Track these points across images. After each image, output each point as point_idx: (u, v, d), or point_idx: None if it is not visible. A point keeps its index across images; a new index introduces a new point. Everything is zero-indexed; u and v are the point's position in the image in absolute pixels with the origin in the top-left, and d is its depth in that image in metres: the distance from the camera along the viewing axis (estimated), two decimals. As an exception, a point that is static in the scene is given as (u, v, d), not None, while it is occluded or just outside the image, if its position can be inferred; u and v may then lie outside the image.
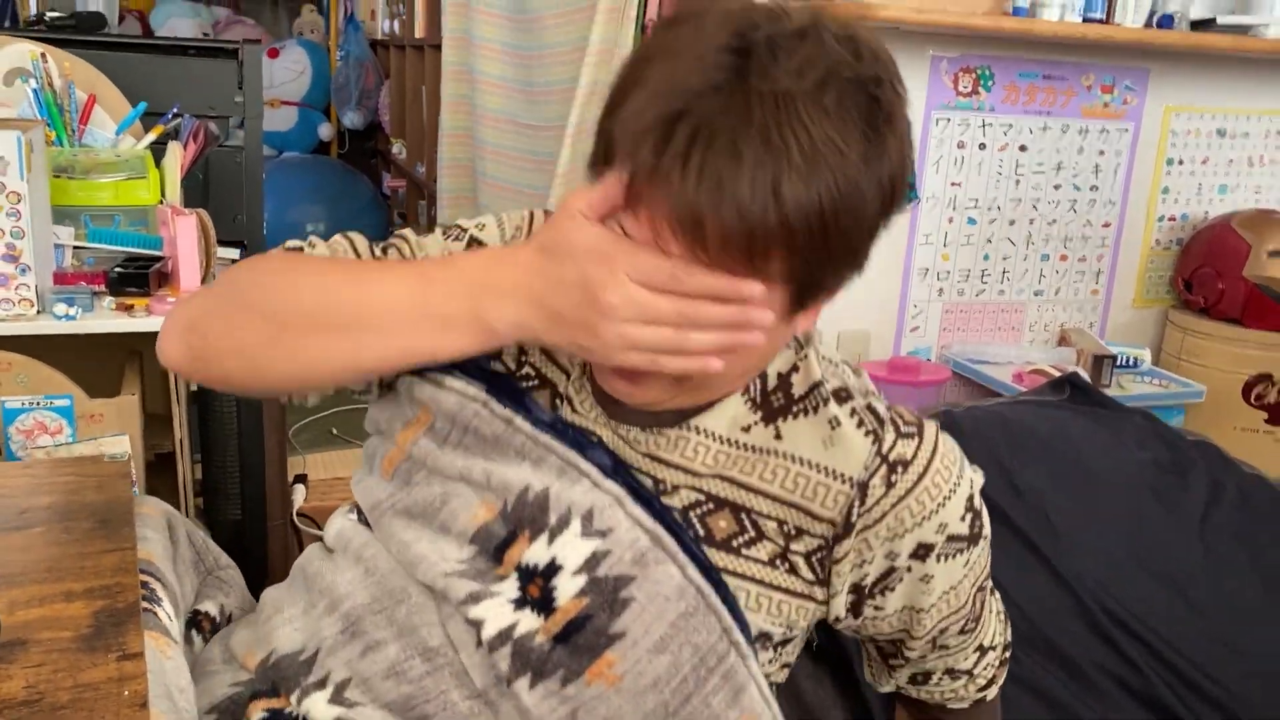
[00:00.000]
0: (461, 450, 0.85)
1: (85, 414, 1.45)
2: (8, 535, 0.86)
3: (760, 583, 0.84)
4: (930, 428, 0.87)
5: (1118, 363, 2.46)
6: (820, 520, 0.84)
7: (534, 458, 0.83)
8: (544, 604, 0.79)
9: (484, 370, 0.87)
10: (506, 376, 0.87)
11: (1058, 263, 2.61)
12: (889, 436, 0.84)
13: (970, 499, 0.88)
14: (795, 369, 0.86)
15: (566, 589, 0.79)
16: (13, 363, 1.39)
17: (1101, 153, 2.56)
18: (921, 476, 0.84)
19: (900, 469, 0.83)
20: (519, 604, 0.80)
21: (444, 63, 2.96)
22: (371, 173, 4.75)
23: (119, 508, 0.90)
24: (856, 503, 0.82)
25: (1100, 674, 1.25)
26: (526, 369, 0.88)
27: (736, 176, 0.65)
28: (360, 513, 0.92)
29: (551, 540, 0.80)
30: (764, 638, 0.86)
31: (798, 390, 0.85)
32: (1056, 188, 2.55)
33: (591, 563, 0.79)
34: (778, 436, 0.84)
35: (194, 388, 1.73)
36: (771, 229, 0.66)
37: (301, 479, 2.14)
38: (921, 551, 0.85)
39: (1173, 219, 2.69)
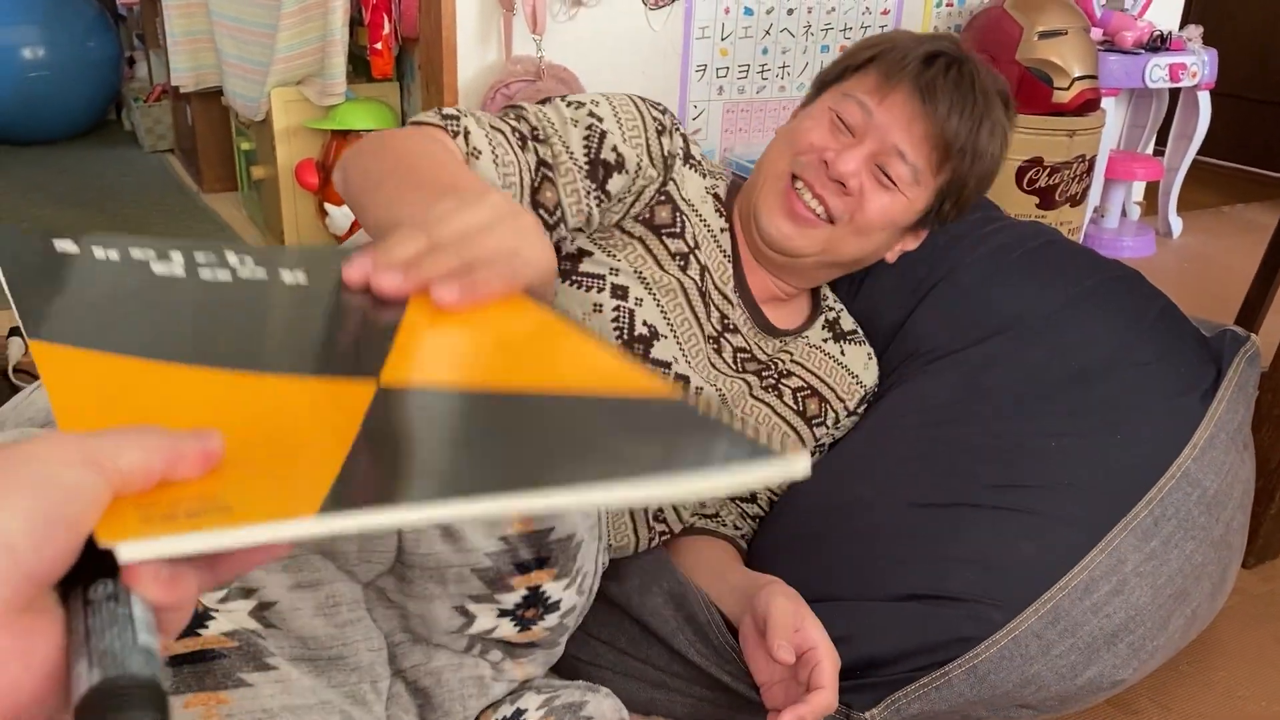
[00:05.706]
0: None
1: None
2: None
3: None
4: None
5: (897, 154, 2.42)
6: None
7: None
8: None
9: None
10: None
11: (838, 55, 2.52)
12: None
13: None
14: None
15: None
16: None
17: (878, -67, 2.46)
18: None
19: None
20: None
21: None
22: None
23: None
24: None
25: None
26: None
27: (964, 108, 1.10)
28: None
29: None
30: None
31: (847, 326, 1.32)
32: (834, -28, 2.43)
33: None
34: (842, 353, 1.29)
35: None
36: (963, 147, 1.11)
37: (17, 331, 1.89)
38: None
39: (950, 4, 2.62)
